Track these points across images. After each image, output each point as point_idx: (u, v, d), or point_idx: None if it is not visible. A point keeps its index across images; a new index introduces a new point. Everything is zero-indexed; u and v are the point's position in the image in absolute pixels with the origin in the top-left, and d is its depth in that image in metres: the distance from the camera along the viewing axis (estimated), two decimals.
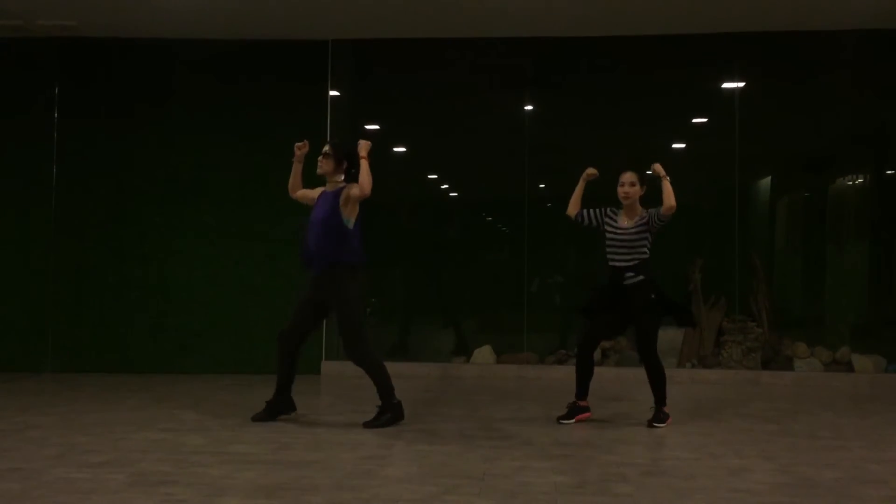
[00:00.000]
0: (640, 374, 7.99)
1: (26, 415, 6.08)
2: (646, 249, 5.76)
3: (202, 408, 6.37)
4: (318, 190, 5.89)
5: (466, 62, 8.74)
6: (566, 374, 7.51)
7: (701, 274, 8.40)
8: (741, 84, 8.50)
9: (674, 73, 8.55)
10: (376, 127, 9.24)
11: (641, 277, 5.71)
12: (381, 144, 9.29)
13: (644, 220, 5.75)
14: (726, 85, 8.58)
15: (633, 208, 5.81)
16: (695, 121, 8.96)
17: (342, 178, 5.75)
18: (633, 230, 5.75)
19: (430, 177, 9.48)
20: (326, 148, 5.79)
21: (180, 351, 8.31)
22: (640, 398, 6.40)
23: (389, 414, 5.69)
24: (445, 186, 9.63)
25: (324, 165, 5.76)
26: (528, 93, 8.82)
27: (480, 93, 8.85)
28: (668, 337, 8.45)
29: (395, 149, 9.33)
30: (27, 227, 8.43)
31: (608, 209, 5.90)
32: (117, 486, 4.18)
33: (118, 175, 8.47)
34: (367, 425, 5.63)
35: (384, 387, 5.69)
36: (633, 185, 5.76)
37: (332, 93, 8.50)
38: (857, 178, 8.88)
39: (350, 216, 5.66)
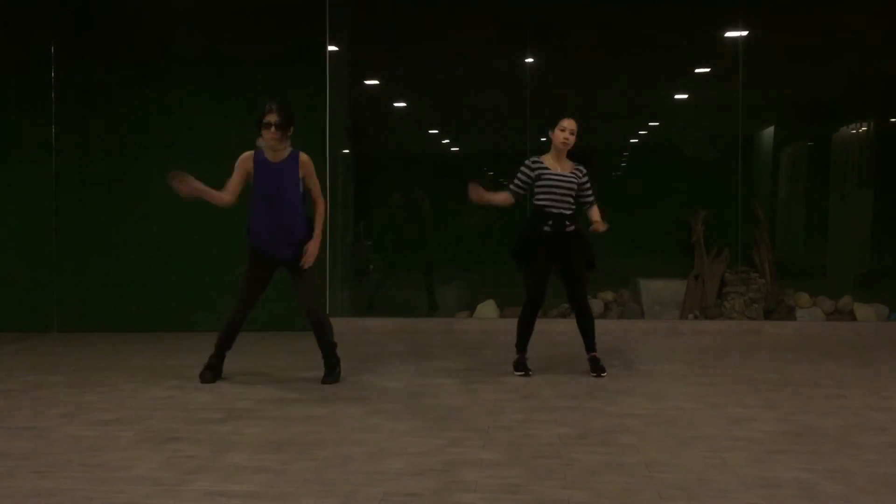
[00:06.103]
0: (643, 326, 8.10)
1: (34, 374, 6.13)
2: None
3: None
4: (247, 158, 5.51)
5: (467, 14, 8.62)
6: (568, 327, 7.53)
7: (703, 225, 8.39)
8: (745, 33, 8.40)
9: (676, 23, 8.43)
10: (375, 82, 9.16)
11: (574, 227, 5.90)
12: (380, 99, 9.30)
13: (580, 178, 5.92)
14: (730, 34, 8.47)
15: (563, 156, 5.96)
16: (697, 71, 8.87)
17: (287, 144, 5.51)
18: (574, 179, 5.92)
19: (430, 131, 9.41)
20: (275, 118, 5.32)
21: (185, 309, 8.35)
22: (643, 350, 6.44)
23: (339, 368, 5.78)
24: (446, 141, 9.56)
25: (275, 135, 5.35)
26: (529, 45, 8.72)
27: (481, 45, 8.74)
28: (672, 289, 8.48)
29: (395, 104, 9.26)
30: (29, 188, 8.41)
31: (527, 162, 5.99)
32: (126, 443, 4.23)
33: (118, 134, 8.42)
34: (327, 381, 5.68)
35: (332, 341, 5.73)
36: (572, 133, 5.91)
37: (331, 47, 8.41)
38: (861, 127, 8.81)
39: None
